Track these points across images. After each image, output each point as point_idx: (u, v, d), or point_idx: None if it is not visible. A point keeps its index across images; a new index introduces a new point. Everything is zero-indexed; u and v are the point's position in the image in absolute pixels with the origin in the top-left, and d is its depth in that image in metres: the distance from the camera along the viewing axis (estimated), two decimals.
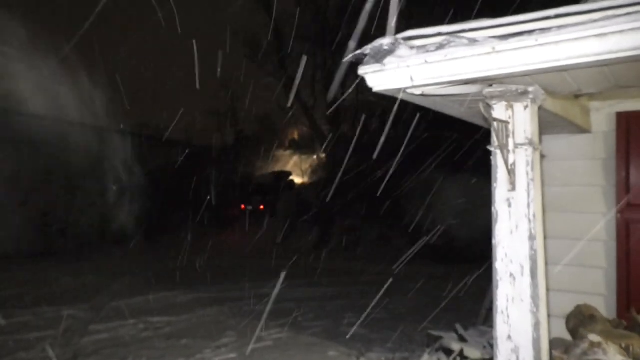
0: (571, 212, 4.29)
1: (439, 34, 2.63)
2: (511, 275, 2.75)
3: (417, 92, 2.79)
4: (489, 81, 2.75)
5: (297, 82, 15.89)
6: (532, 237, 2.73)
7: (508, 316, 2.75)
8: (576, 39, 2.24)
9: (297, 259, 11.17)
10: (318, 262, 11.91)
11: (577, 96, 3.59)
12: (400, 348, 5.19)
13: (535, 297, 2.71)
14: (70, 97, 13.47)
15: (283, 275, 6.97)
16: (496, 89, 2.80)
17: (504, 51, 2.40)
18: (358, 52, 2.76)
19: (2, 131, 12.42)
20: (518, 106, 2.79)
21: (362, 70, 2.77)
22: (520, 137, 2.77)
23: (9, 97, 12.26)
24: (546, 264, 2.90)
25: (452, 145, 11.20)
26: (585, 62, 2.32)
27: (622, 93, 3.73)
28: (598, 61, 2.30)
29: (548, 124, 3.60)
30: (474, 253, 9.44)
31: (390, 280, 6.89)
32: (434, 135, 11.89)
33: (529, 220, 2.73)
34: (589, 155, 4.26)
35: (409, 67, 2.63)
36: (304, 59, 14.72)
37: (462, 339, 4.47)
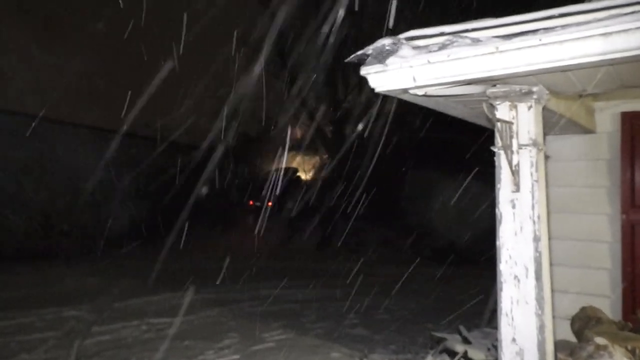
0: (575, 213, 4.26)
1: (442, 34, 2.61)
2: (515, 277, 2.72)
3: (420, 92, 2.76)
4: (492, 81, 2.72)
5: (299, 82, 15.88)
6: (536, 239, 2.70)
7: (512, 318, 2.72)
8: (580, 38, 2.22)
9: (300, 259, 11.15)
10: (320, 263, 11.89)
11: (581, 96, 3.56)
12: (403, 350, 5.16)
13: (540, 300, 2.68)
14: (71, 97, 13.50)
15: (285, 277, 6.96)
16: (500, 89, 2.77)
17: (508, 51, 2.38)
18: (360, 52, 2.74)
19: (2, 131, 12.45)
20: (522, 106, 2.76)
21: (364, 71, 2.75)
22: (524, 138, 2.74)
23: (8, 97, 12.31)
24: (550, 265, 2.87)
25: (456, 146, 11.17)
26: (590, 62, 2.29)
27: (626, 93, 3.70)
28: (603, 61, 2.28)
29: (552, 124, 3.57)
30: (477, 254, 9.41)
31: (393, 281, 6.87)
32: (437, 136, 11.87)
33: (534, 222, 2.70)
34: (594, 155, 4.23)
35: (411, 68, 2.60)
36: (307, 59, 14.71)
37: (465, 341, 4.44)
